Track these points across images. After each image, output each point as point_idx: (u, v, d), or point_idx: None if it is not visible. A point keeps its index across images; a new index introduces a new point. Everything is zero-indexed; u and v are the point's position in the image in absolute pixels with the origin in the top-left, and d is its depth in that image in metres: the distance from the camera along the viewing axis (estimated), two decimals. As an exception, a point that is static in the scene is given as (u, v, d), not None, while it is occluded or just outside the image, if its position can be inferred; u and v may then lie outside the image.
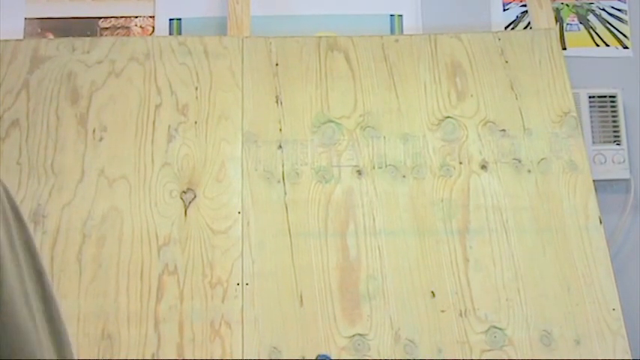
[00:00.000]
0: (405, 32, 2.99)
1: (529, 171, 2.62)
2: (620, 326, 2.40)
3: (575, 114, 2.71)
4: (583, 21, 3.07)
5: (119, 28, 3.02)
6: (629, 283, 2.71)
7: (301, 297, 2.40)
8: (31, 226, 2.00)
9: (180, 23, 3.01)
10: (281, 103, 2.69)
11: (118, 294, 2.37)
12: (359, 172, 2.61)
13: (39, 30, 3.00)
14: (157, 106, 2.66)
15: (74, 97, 2.66)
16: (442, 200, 2.57)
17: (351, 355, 2.33)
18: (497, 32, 2.91)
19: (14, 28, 2.96)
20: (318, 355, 2.23)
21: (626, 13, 3.07)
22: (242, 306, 2.38)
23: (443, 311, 2.41)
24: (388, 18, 3.04)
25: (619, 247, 2.79)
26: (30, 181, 2.52)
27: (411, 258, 2.48)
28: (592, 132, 2.85)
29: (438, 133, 2.68)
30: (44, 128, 2.59)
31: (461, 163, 2.63)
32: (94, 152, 2.57)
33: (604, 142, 2.86)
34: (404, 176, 2.61)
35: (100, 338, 2.29)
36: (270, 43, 2.79)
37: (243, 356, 2.30)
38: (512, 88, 2.75)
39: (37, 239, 1.82)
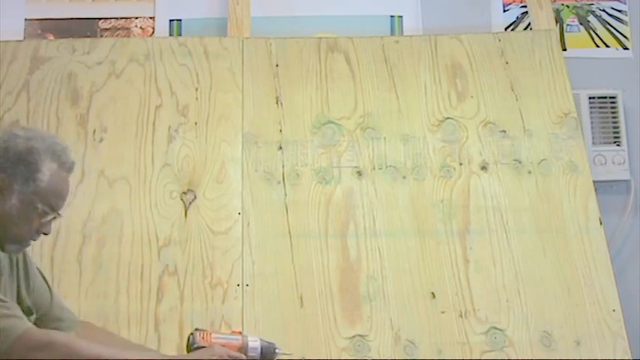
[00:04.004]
0: (405, 33, 2.99)
1: (529, 172, 2.62)
2: (621, 327, 2.40)
3: (575, 115, 2.71)
4: (583, 22, 3.07)
5: (119, 29, 3.02)
6: (629, 284, 2.71)
7: (301, 298, 2.40)
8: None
9: (180, 24, 3.00)
10: (281, 104, 2.69)
11: (119, 295, 2.37)
12: (359, 173, 2.61)
13: (39, 31, 3.00)
14: (157, 107, 2.66)
15: (74, 98, 2.66)
16: (442, 201, 2.57)
17: (351, 356, 2.33)
18: (497, 33, 2.91)
19: (14, 29, 2.96)
20: None
21: (626, 14, 3.07)
22: (242, 307, 2.38)
23: (443, 312, 2.41)
24: (388, 19, 3.04)
25: (619, 248, 2.79)
26: (30, 181, 2.52)
27: (411, 259, 2.48)
28: (592, 133, 2.85)
29: (439, 134, 2.67)
30: (44, 129, 2.58)
31: (461, 164, 2.63)
32: (94, 153, 2.57)
33: (604, 143, 2.86)
34: (404, 177, 2.61)
35: (100, 339, 2.28)
36: (271, 44, 2.79)
37: (243, 357, 2.30)
38: (512, 89, 2.75)
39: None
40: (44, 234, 1.75)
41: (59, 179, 1.71)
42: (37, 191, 1.68)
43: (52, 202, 1.71)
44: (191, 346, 1.77)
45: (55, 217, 1.74)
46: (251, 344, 1.80)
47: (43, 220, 1.72)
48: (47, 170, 1.68)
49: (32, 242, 1.78)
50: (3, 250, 1.73)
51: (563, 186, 2.60)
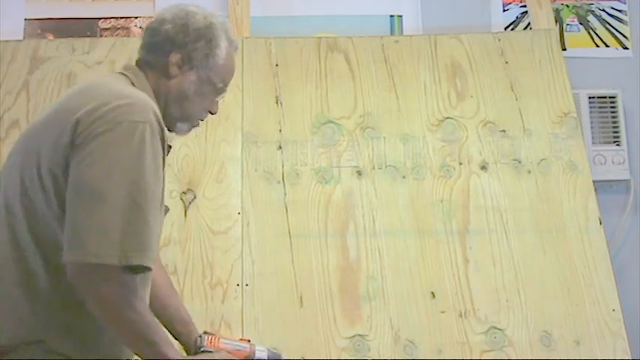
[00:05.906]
0: (405, 33, 2.99)
1: (529, 172, 2.62)
2: (620, 327, 2.40)
3: (575, 115, 2.71)
4: (583, 22, 3.07)
5: (119, 28, 3.02)
6: (629, 284, 2.71)
7: (301, 298, 2.40)
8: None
9: (180, 24, 3.00)
10: (281, 103, 2.69)
11: (118, 295, 2.37)
12: (359, 173, 2.61)
13: (39, 30, 3.00)
14: (157, 107, 2.65)
15: (74, 98, 2.66)
16: (442, 201, 2.57)
17: (351, 356, 2.33)
18: (497, 33, 2.91)
19: (14, 29, 2.96)
20: None
21: (626, 14, 3.07)
22: (242, 307, 2.38)
23: (443, 312, 2.41)
24: (388, 19, 3.03)
25: (619, 248, 2.79)
26: (30, 181, 2.52)
27: (410, 259, 2.48)
28: (592, 133, 2.85)
29: (438, 133, 2.67)
30: (44, 129, 2.59)
31: (461, 163, 2.63)
32: (93, 153, 2.57)
33: (604, 142, 2.86)
34: (404, 177, 2.61)
35: (100, 339, 2.28)
36: (270, 43, 2.79)
37: (243, 357, 2.30)
38: (512, 89, 2.75)
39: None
40: (212, 113, 1.73)
41: (231, 57, 1.71)
42: (215, 67, 1.66)
43: (226, 78, 1.71)
44: (198, 349, 1.77)
45: (223, 96, 1.74)
46: (258, 354, 1.79)
47: (215, 98, 1.72)
48: (223, 47, 1.67)
49: (200, 123, 1.73)
50: (173, 130, 1.67)
51: (563, 186, 2.60)
